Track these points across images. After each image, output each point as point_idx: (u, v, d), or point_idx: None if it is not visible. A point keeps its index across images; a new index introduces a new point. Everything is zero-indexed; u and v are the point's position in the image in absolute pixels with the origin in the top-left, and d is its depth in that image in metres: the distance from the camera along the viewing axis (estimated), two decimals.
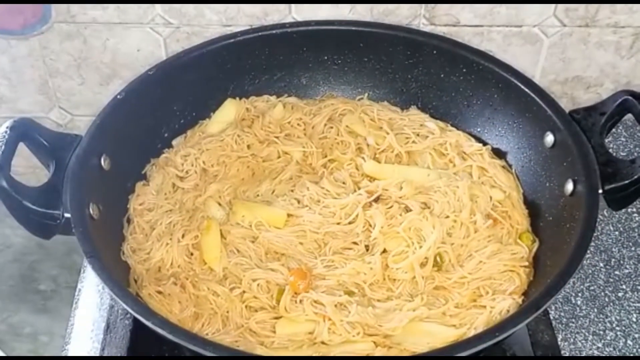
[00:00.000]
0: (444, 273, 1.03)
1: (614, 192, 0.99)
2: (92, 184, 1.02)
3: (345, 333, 0.96)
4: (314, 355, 0.94)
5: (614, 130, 1.11)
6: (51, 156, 1.03)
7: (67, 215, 0.96)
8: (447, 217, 1.07)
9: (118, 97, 1.11)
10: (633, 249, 1.22)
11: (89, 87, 1.32)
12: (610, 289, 1.17)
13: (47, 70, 1.30)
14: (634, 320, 1.13)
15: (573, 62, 1.30)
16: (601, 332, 1.11)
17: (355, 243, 1.06)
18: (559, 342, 1.10)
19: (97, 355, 1.06)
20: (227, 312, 0.99)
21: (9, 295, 1.42)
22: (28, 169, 1.08)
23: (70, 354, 1.06)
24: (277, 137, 1.20)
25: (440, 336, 0.96)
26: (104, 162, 1.06)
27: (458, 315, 0.98)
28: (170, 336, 0.84)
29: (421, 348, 0.95)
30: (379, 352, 0.94)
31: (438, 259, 1.04)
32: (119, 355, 1.08)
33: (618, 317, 1.13)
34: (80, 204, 0.98)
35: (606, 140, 1.06)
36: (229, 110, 1.23)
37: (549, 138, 1.09)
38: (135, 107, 1.13)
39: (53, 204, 0.97)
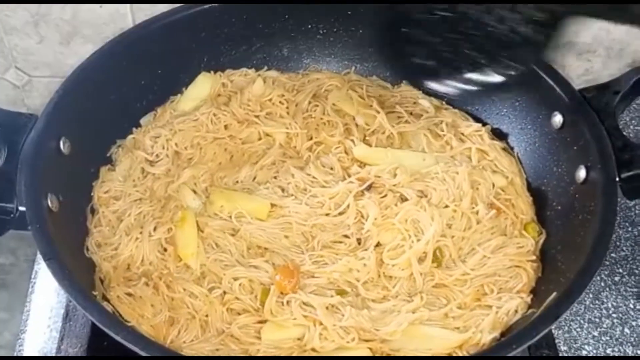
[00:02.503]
0: (445, 269, 0.95)
1: (631, 181, 0.91)
2: (50, 172, 0.93)
3: (338, 339, 0.88)
4: None
5: None
6: (2, 140, 0.93)
7: (21, 208, 0.88)
8: (447, 206, 0.99)
9: (77, 70, 1.02)
10: (630, 229, 1.15)
11: (48, 45, 1.23)
12: (606, 272, 1.11)
13: (1, 27, 1.21)
14: (631, 306, 1.07)
15: (565, 26, 1.21)
16: (597, 320, 1.06)
17: (346, 236, 0.98)
18: (553, 331, 1.04)
19: (55, 345, 1.00)
20: (206, 316, 0.91)
21: None
22: None
23: (26, 343, 1.01)
24: (257, 117, 1.10)
25: (444, 341, 0.88)
26: (64, 146, 0.97)
27: (462, 317, 0.91)
28: (144, 353, 0.74)
29: (422, 355, 0.87)
30: None
31: (438, 253, 0.95)
32: (79, 345, 1.01)
33: (614, 304, 1.08)
34: (37, 195, 0.89)
35: None
36: (203, 85, 1.14)
37: (557, 119, 1.01)
38: (98, 83, 1.04)
39: (5, 196, 0.88)
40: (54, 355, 0.99)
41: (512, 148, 1.09)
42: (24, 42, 1.22)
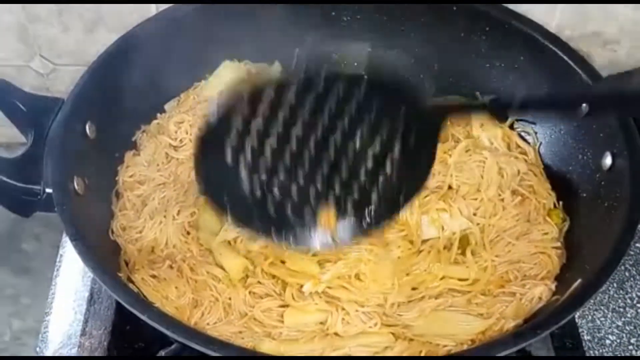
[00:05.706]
0: (469, 257, 0.94)
1: None
2: (76, 155, 0.93)
3: (360, 324, 0.88)
4: (327, 348, 0.86)
5: None
6: (29, 123, 0.94)
7: (48, 190, 0.87)
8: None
9: (103, 55, 1.01)
10: None
11: (72, 34, 1.22)
12: (630, 262, 1.10)
13: (26, 16, 1.20)
14: None
15: (591, 17, 1.20)
16: (621, 309, 1.06)
17: None
18: (576, 320, 1.04)
19: (80, 327, 1.01)
20: (229, 299, 0.91)
21: None
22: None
23: (51, 325, 1.02)
24: None
25: (467, 327, 0.87)
26: (89, 130, 0.96)
27: (485, 304, 0.90)
28: (169, 333, 0.74)
29: (445, 341, 0.87)
30: (398, 345, 0.86)
31: (463, 241, 0.95)
32: (103, 328, 1.01)
33: (639, 294, 1.07)
34: (63, 177, 0.89)
35: None
36: (226, 72, 1.12)
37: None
38: (123, 68, 1.03)
39: (32, 178, 0.88)
40: (78, 338, 1.00)
41: (536, 134, 1.08)
42: (48, 30, 1.22)
